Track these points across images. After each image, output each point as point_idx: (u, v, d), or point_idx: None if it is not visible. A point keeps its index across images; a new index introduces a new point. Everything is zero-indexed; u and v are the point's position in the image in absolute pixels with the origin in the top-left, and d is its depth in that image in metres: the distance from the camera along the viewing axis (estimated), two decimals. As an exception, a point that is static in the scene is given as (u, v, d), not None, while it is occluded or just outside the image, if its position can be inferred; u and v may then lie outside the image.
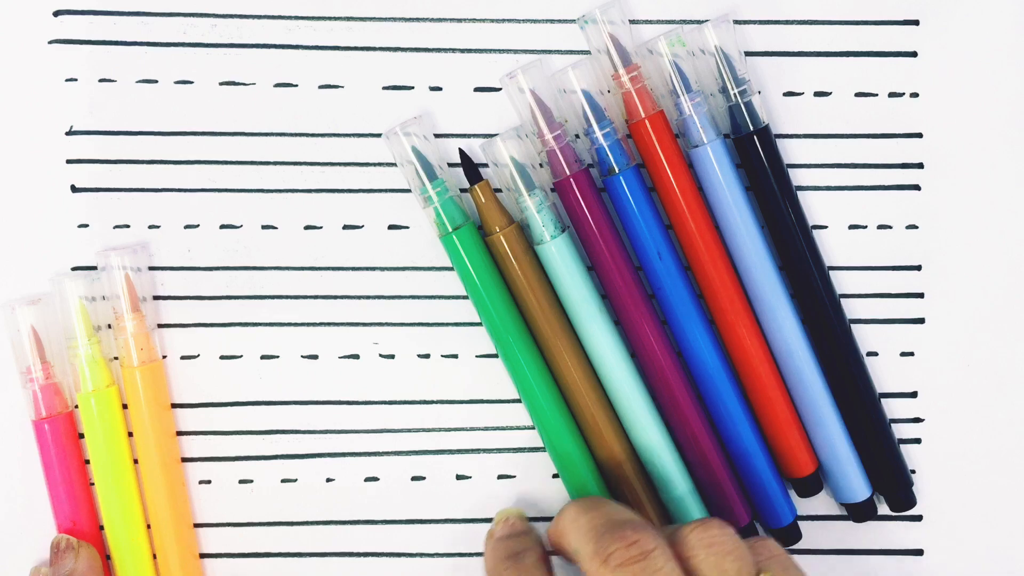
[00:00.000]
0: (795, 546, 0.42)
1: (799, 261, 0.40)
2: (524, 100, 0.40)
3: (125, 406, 0.41)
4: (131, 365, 0.40)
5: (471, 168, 0.40)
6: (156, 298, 0.42)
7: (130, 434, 0.41)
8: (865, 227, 0.42)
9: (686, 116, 0.40)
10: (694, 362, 0.40)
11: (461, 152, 0.40)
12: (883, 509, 0.42)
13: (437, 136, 0.42)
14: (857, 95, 0.42)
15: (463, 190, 0.41)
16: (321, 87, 0.42)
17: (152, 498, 0.41)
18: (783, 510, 0.41)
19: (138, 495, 0.41)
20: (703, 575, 0.34)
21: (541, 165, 0.40)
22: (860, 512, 0.42)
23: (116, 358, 0.41)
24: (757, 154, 0.40)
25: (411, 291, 0.41)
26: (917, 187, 0.42)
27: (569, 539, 0.36)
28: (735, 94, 0.40)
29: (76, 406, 0.41)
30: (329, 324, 0.42)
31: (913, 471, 0.42)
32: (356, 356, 0.42)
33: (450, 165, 0.41)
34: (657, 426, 0.40)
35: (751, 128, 0.40)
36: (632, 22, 0.42)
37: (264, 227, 0.42)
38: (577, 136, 0.41)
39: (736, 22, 0.41)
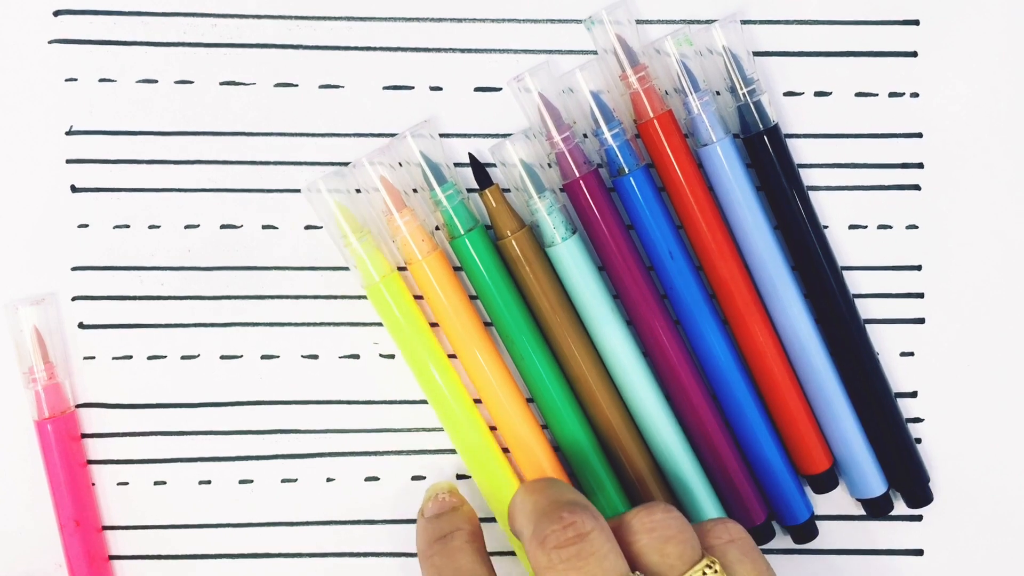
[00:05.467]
0: (793, 546, 0.42)
1: (811, 259, 0.40)
2: (531, 101, 0.40)
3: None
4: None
5: (481, 172, 0.40)
6: (157, 298, 0.42)
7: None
8: (865, 227, 0.42)
9: (695, 115, 0.40)
10: (707, 361, 0.40)
11: (471, 156, 0.40)
12: (899, 507, 0.43)
13: (438, 136, 0.42)
14: (857, 95, 0.42)
15: (469, 190, 0.41)
16: (321, 87, 0.42)
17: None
18: (799, 507, 0.41)
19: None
20: (644, 560, 0.33)
21: (549, 165, 0.40)
22: (876, 507, 0.42)
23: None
24: (767, 153, 0.40)
25: (412, 291, 0.41)
26: (917, 187, 0.42)
27: (516, 521, 0.35)
28: (744, 93, 0.40)
29: (77, 406, 0.42)
30: (328, 324, 0.42)
31: (914, 470, 0.42)
32: (356, 356, 0.42)
33: (456, 165, 0.41)
34: (672, 425, 0.40)
35: (760, 127, 0.40)
36: (638, 22, 0.42)
37: (264, 227, 0.42)
38: (585, 136, 0.41)
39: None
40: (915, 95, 0.42)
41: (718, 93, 0.40)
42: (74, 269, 0.42)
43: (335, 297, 0.42)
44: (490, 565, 0.37)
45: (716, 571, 0.33)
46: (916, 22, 0.42)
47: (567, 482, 0.39)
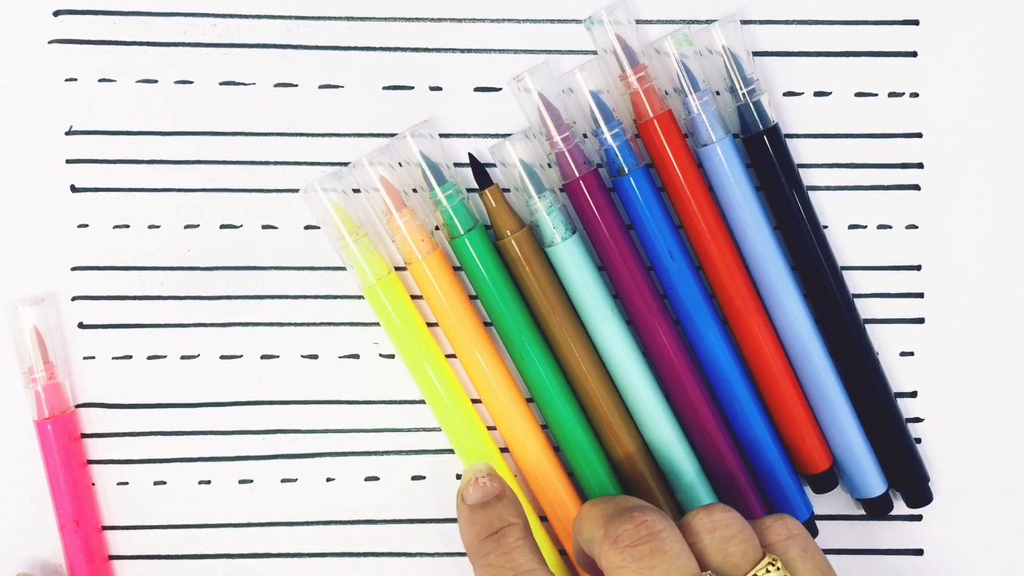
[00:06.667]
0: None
1: (811, 259, 0.40)
2: (531, 101, 0.40)
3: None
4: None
5: (481, 172, 0.40)
6: (157, 298, 0.42)
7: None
8: (865, 227, 0.42)
9: (694, 115, 0.40)
10: (707, 361, 0.40)
11: (471, 156, 0.40)
12: (899, 507, 0.43)
13: (438, 136, 0.42)
14: (857, 95, 0.42)
15: (469, 190, 0.41)
16: (321, 87, 0.42)
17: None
18: (799, 507, 0.41)
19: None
20: (708, 560, 0.33)
21: (549, 165, 0.40)
22: (876, 507, 0.42)
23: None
24: (767, 153, 0.40)
25: (411, 291, 0.41)
26: (917, 187, 0.42)
27: (583, 530, 0.35)
28: (744, 93, 0.40)
29: (77, 406, 0.42)
30: (328, 324, 0.42)
31: (914, 470, 0.42)
32: (356, 356, 0.42)
33: (455, 165, 0.41)
34: (671, 425, 0.40)
35: (760, 127, 0.40)
36: (638, 22, 0.42)
37: (264, 227, 0.42)
38: (585, 136, 0.41)
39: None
40: (915, 95, 0.42)
41: (718, 93, 0.40)
42: (74, 269, 0.42)
43: (335, 297, 0.42)
44: (544, 560, 0.36)
45: (779, 569, 0.33)
46: (916, 22, 0.42)
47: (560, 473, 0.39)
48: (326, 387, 0.42)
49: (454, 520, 0.42)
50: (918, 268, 0.42)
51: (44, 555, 0.42)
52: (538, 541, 0.40)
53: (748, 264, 0.40)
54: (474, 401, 0.41)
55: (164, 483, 0.42)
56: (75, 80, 0.42)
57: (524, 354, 0.40)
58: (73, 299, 0.42)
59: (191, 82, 0.42)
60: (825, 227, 0.42)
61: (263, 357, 0.42)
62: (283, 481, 0.42)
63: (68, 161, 0.42)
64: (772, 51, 0.42)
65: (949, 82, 0.42)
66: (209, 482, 0.42)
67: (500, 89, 0.42)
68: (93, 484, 0.42)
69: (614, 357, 0.40)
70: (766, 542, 0.34)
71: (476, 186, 0.40)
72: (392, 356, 0.42)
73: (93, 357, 0.42)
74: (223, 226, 0.42)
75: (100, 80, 0.42)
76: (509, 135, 0.41)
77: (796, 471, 0.41)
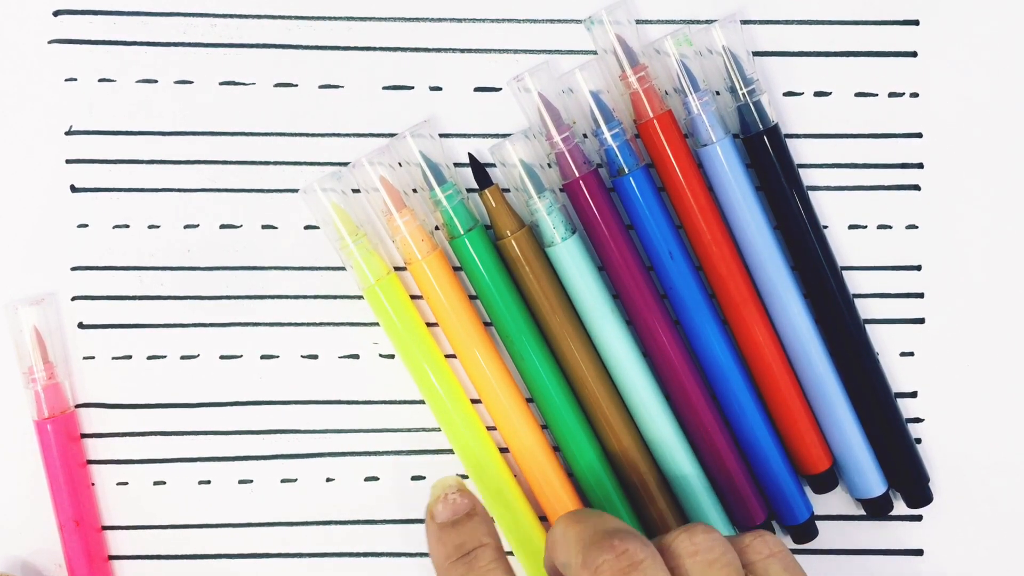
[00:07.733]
0: (793, 546, 0.42)
1: (811, 259, 0.40)
2: (531, 101, 0.40)
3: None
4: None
5: (481, 172, 0.40)
6: (156, 298, 0.42)
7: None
8: (865, 227, 0.42)
9: (694, 115, 0.40)
10: (707, 361, 0.40)
11: (471, 156, 0.40)
12: (899, 507, 0.43)
13: (437, 136, 0.42)
14: (857, 95, 0.42)
15: (469, 190, 0.41)
16: (321, 87, 0.42)
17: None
18: (799, 507, 0.41)
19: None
20: None
21: (549, 165, 0.40)
22: (876, 507, 0.42)
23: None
24: (767, 153, 0.40)
25: (410, 291, 0.41)
26: (917, 187, 0.42)
27: (559, 552, 0.34)
28: (744, 94, 0.40)
29: (77, 406, 0.42)
30: (328, 324, 0.42)
31: (915, 470, 0.42)
32: (355, 356, 0.42)
33: (455, 165, 0.41)
34: (671, 426, 0.40)
35: (760, 127, 0.40)
36: (638, 22, 0.42)
37: (264, 227, 0.42)
38: (585, 136, 0.41)
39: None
40: (915, 95, 0.42)
41: (718, 93, 0.40)
42: (74, 269, 0.42)
43: (335, 297, 0.42)
44: None
45: None
46: (916, 22, 0.42)
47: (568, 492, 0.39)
48: (326, 387, 0.42)
49: (454, 520, 0.42)
50: (918, 268, 0.42)
51: (44, 555, 0.42)
52: (536, 542, 0.40)
53: (748, 264, 0.40)
54: (474, 401, 0.41)
55: (164, 483, 0.42)
56: (75, 80, 0.42)
57: (524, 354, 0.40)
58: (73, 299, 0.42)
59: (191, 82, 0.42)
60: (825, 227, 0.42)
61: (263, 357, 0.42)
62: (283, 481, 0.42)
63: (68, 161, 0.42)
64: (772, 51, 0.42)
65: (949, 82, 0.42)
66: (209, 482, 0.42)
67: (500, 89, 0.42)
68: (93, 484, 0.42)
69: (614, 357, 0.40)
70: (747, 561, 0.34)
71: (476, 186, 0.40)
72: (392, 356, 0.42)
73: (93, 357, 0.42)
74: (223, 226, 0.42)
75: (100, 80, 0.42)
76: (509, 135, 0.41)
77: (796, 471, 0.41)
